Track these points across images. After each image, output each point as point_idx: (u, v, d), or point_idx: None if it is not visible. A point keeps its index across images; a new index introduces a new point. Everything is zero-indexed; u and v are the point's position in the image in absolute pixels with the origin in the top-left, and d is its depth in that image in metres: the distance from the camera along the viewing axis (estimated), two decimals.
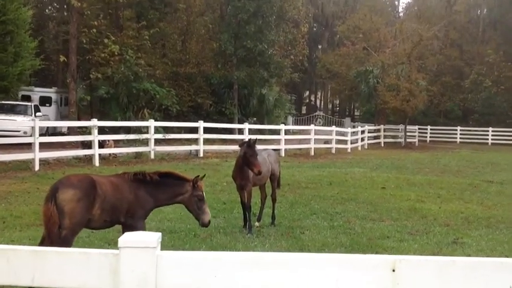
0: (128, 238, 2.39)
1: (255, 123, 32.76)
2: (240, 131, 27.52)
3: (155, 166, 18.24)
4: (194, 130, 23.62)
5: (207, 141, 24.03)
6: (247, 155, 8.22)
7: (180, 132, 25.82)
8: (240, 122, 31.10)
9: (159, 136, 21.92)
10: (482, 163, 24.52)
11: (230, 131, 29.18)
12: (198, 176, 6.01)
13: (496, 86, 49.59)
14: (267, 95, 36.21)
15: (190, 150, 23.06)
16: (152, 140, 20.75)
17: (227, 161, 21.10)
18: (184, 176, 6.00)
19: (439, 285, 2.30)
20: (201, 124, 23.05)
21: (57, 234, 5.17)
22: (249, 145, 8.33)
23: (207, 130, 23.79)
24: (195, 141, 23.31)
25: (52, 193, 5.25)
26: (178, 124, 26.10)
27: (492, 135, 43.72)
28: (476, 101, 49.05)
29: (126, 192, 5.71)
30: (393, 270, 2.28)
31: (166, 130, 23.84)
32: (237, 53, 31.93)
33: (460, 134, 44.95)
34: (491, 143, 42.96)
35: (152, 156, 20.53)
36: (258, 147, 8.88)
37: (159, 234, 2.45)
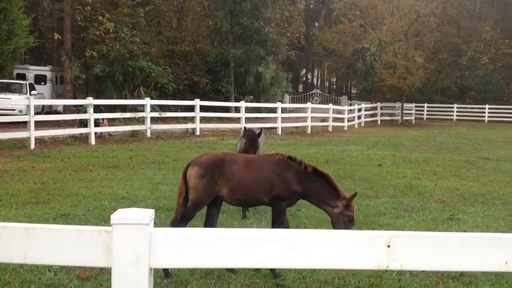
0: (120, 215, 2.37)
1: (251, 101, 32.66)
2: (237, 109, 27.45)
3: (151, 144, 18.24)
4: (190, 108, 23.55)
5: (203, 120, 23.99)
6: (246, 147, 7.94)
7: (176, 111, 25.76)
8: (237, 100, 30.99)
9: (155, 114, 21.86)
10: (479, 140, 24.56)
11: (227, 109, 29.12)
12: (352, 195, 5.57)
13: (493, 63, 49.55)
14: (263, 73, 36.05)
15: (187, 129, 23.02)
16: (148, 118, 20.69)
17: (223, 139, 21.11)
18: (338, 188, 5.61)
19: (435, 261, 2.29)
20: (197, 102, 22.95)
21: (181, 206, 5.72)
22: (251, 138, 7.93)
23: (203, 108, 23.75)
24: (192, 119, 23.24)
25: (185, 168, 5.77)
26: (175, 102, 26.02)
27: (489, 112, 43.80)
28: (473, 79, 48.98)
29: (268, 172, 5.64)
30: (388, 246, 2.26)
31: (163, 108, 23.76)
32: (233, 30, 31.66)
33: (457, 112, 45.00)
34: (488, 121, 43.04)
35: (148, 135, 20.50)
36: (250, 125, 8.76)
37: (152, 210, 2.42)
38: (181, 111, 25.23)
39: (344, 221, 5.48)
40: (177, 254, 2.37)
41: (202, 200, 5.66)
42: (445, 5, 50.49)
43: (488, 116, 43.65)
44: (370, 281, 5.60)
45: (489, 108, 43.98)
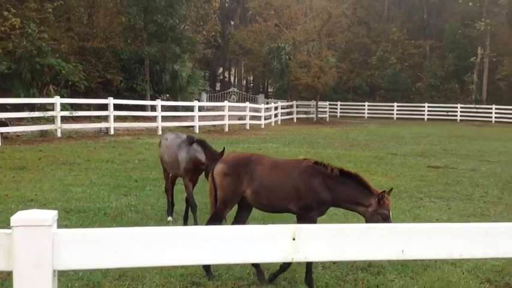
0: (20, 216, 2.27)
1: (167, 99, 32.28)
2: (153, 108, 27.03)
3: (62, 144, 17.56)
4: (104, 107, 22.91)
5: (118, 119, 23.40)
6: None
7: (89, 109, 24.96)
8: (153, 98, 30.52)
9: (66, 113, 21.07)
10: (388, 137, 25.70)
11: (142, 108, 28.60)
12: (385, 191, 5.16)
13: (401, 62, 52.02)
14: (179, 71, 35.70)
15: (100, 128, 22.38)
16: (58, 117, 19.90)
17: (139, 138, 20.73)
18: (370, 186, 5.22)
19: (336, 250, 2.39)
20: (111, 101, 22.39)
21: (213, 204, 5.70)
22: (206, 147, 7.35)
23: (117, 107, 23.18)
24: (105, 118, 22.62)
25: (213, 167, 5.77)
26: (87, 101, 25.20)
27: (397, 110, 45.94)
28: (382, 78, 51.18)
29: (293, 179, 5.32)
30: (293, 239, 2.33)
31: (74, 107, 22.95)
32: (147, 27, 31.11)
33: (368, 109, 46.86)
34: (396, 118, 45.13)
35: (59, 135, 19.72)
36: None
37: (55, 212, 2.34)
38: (94, 110, 24.49)
39: (378, 220, 5.04)
40: (83, 255, 2.31)
41: (229, 198, 5.53)
42: (355, 7, 52.41)
43: (397, 114, 45.78)
44: (284, 275, 5.73)
45: (397, 106, 46.13)
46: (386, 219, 5.05)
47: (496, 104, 43.29)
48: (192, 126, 25.52)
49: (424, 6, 55.09)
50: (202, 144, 7.41)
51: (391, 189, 5.43)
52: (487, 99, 46.78)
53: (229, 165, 5.56)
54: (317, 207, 5.27)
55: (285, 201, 5.35)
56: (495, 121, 41.77)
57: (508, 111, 41.87)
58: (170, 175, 8.33)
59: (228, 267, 5.83)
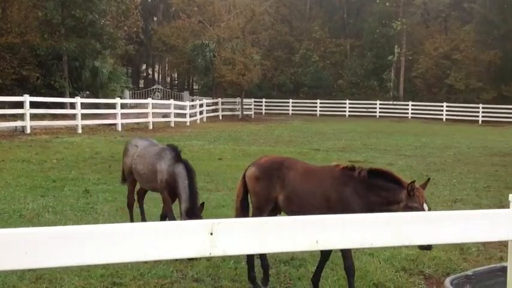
0: None
1: (88, 97, 31.28)
2: (72, 106, 26.12)
3: None
4: (19, 105, 21.89)
5: (34, 117, 22.45)
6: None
7: (3, 107, 23.73)
8: (72, 96, 29.48)
9: None
10: (311, 133, 26.26)
11: (61, 106, 27.56)
12: (414, 181, 4.63)
13: (323, 60, 53.24)
14: (100, 67, 34.68)
15: (16, 127, 21.39)
16: None
17: (58, 137, 20.02)
18: (401, 179, 4.74)
19: (255, 243, 2.42)
20: (26, 98, 21.44)
21: (239, 208, 5.61)
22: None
23: (34, 105, 22.23)
24: (21, 116, 21.64)
25: (245, 170, 5.61)
26: (1, 98, 23.96)
27: (320, 106, 46.99)
28: (305, 75, 52.17)
29: (325, 187, 5.02)
30: (211, 234, 2.33)
31: None
32: (65, 22, 30.01)
33: (292, 106, 47.64)
34: (319, 114, 46.17)
35: None
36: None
37: None
38: (9, 108, 23.33)
39: None
40: None
41: (262, 204, 5.33)
42: (278, 5, 53.07)
43: (320, 110, 46.84)
44: (208, 272, 5.73)
45: (320, 103, 47.21)
46: None
47: (412, 101, 45.27)
48: (115, 124, 24.94)
49: (344, 5, 56.67)
50: (189, 174, 6.38)
51: (428, 179, 5.08)
52: (404, 96, 48.84)
53: (262, 169, 5.40)
54: None
55: (316, 210, 4.94)
56: (411, 117, 43.67)
57: (423, 107, 43.93)
58: (139, 187, 7.39)
59: (151, 265, 5.76)
